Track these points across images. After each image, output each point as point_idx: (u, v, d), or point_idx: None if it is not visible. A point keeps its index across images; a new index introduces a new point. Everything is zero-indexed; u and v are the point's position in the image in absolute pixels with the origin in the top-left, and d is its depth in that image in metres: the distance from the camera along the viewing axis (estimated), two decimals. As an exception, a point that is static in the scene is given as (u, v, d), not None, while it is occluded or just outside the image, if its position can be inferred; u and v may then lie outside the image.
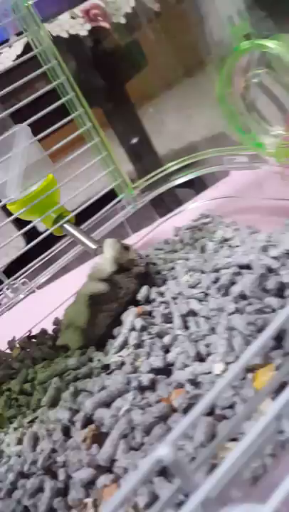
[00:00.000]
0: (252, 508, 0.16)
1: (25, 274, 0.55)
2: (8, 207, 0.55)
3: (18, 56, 0.84)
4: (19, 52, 0.86)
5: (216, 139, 0.60)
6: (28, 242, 0.65)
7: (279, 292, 0.37)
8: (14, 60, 0.87)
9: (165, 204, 0.66)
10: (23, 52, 0.80)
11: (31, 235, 0.67)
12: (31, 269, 0.55)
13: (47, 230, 0.56)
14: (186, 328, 0.41)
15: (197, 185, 0.70)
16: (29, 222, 0.57)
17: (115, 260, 0.46)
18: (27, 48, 0.72)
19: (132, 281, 0.47)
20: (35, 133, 0.54)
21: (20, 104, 0.51)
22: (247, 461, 0.19)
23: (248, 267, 0.41)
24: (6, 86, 0.52)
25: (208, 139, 0.62)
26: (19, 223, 0.75)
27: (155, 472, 0.27)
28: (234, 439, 0.27)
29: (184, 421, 0.17)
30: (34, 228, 0.61)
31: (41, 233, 0.55)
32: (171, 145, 0.71)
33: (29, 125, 0.53)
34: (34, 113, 0.53)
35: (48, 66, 0.54)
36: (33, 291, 0.58)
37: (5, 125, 0.54)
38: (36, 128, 0.55)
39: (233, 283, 0.40)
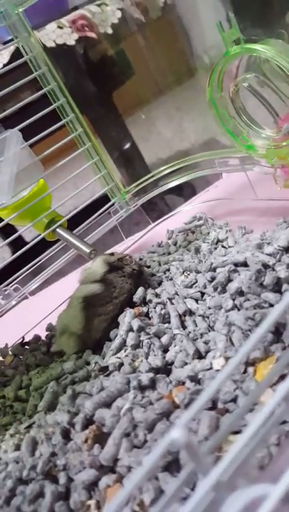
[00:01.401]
0: (263, 488, 0.16)
1: (17, 280, 0.54)
2: (-1, 212, 0.55)
3: (5, 65, 0.84)
4: (6, 61, 0.86)
5: (207, 144, 0.61)
6: (13, 252, 0.64)
7: (276, 287, 0.37)
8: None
9: (158, 208, 0.66)
10: (10, 62, 0.80)
11: (17, 244, 0.66)
12: (23, 275, 0.54)
13: (34, 239, 0.55)
14: (184, 327, 0.41)
15: (189, 190, 0.70)
16: (16, 231, 0.56)
17: (105, 261, 0.46)
18: (14, 57, 0.73)
19: (125, 280, 0.46)
20: (26, 139, 0.54)
21: (12, 109, 0.51)
22: (254, 448, 0.19)
23: (243, 264, 0.41)
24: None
25: (199, 144, 0.63)
26: (4, 233, 0.75)
27: (160, 468, 0.26)
28: (237, 432, 0.27)
29: (194, 405, 0.16)
30: (20, 237, 0.60)
31: (27, 243, 0.54)
32: (161, 152, 0.72)
33: (20, 131, 0.53)
34: (24, 120, 0.53)
35: (39, 72, 0.54)
36: (26, 298, 0.57)
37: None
38: (28, 134, 0.54)
39: (229, 280, 0.40)
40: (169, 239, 0.59)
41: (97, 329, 0.45)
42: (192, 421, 0.29)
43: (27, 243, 0.55)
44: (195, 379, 0.33)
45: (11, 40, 0.88)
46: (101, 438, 0.31)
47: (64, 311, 0.48)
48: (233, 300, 0.38)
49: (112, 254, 0.49)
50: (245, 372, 0.32)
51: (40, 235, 0.56)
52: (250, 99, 0.51)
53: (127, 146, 0.86)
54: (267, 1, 0.44)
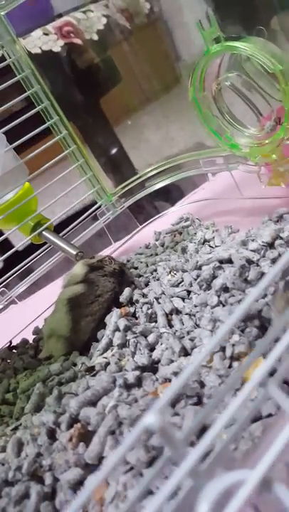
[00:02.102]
0: (240, 474, 0.16)
1: (3, 284, 0.54)
2: (-15, 216, 0.55)
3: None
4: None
5: (193, 149, 0.61)
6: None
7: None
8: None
9: (146, 211, 0.66)
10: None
11: (3, 248, 0.66)
12: (10, 279, 0.54)
13: (26, 249, 0.55)
14: (171, 326, 0.41)
15: (177, 194, 0.70)
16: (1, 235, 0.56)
17: (84, 263, 0.46)
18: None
19: (107, 279, 0.46)
20: (11, 142, 0.54)
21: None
22: (233, 436, 0.19)
23: (228, 261, 0.41)
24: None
25: (186, 149, 0.63)
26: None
27: (144, 463, 0.26)
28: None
29: (171, 388, 0.16)
30: (7, 242, 0.60)
31: (17, 252, 0.54)
32: (148, 157, 0.72)
33: (6, 137, 0.53)
34: (8, 123, 0.53)
35: (22, 75, 0.54)
36: (15, 303, 0.57)
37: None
38: (14, 140, 0.54)
39: (214, 277, 0.40)
40: (157, 240, 0.59)
41: (84, 330, 0.44)
42: (176, 416, 0.28)
43: (13, 247, 0.54)
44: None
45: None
46: (86, 437, 0.30)
47: (50, 316, 0.47)
48: (218, 296, 0.38)
49: (92, 257, 0.49)
50: (230, 367, 0.32)
51: (26, 238, 0.56)
52: (232, 98, 0.51)
53: (114, 151, 0.87)
54: None
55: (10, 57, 0.54)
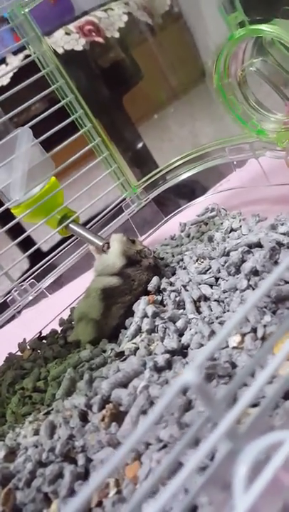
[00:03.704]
0: (279, 435, 0.16)
1: (32, 276, 0.55)
2: (13, 211, 0.55)
3: (15, 73, 0.85)
4: (15, 69, 0.87)
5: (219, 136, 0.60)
6: (30, 261, 0.64)
7: (291, 265, 0.36)
8: (12, 77, 0.89)
9: (170, 203, 0.66)
10: (20, 69, 0.81)
11: (29, 243, 0.67)
12: (38, 270, 0.55)
13: (50, 249, 0.56)
14: (199, 312, 0.41)
15: (201, 184, 0.70)
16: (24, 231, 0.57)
17: (123, 253, 0.46)
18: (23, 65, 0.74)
19: (142, 273, 0.46)
20: (37, 137, 0.55)
21: (22, 107, 0.52)
22: (270, 400, 0.19)
23: (257, 245, 0.40)
24: (6, 99, 0.52)
25: (210, 142, 0.62)
26: (14, 235, 0.75)
27: (178, 441, 0.26)
28: (256, 405, 0.26)
29: (206, 348, 0.16)
30: (35, 244, 0.60)
31: (44, 253, 0.55)
32: (172, 150, 0.72)
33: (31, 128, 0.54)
34: (37, 127, 0.54)
35: (47, 70, 0.55)
36: (46, 296, 0.58)
37: (8, 131, 0.55)
38: (38, 136, 0.55)
39: (243, 261, 0.39)
40: (182, 231, 0.59)
41: (114, 316, 0.45)
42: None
43: (43, 253, 0.55)
44: (211, 358, 0.33)
45: (20, 50, 0.90)
46: (118, 417, 0.30)
47: (82, 300, 0.48)
48: (248, 280, 0.37)
49: (133, 240, 0.49)
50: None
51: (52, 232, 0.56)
52: (258, 83, 0.51)
53: (138, 145, 0.87)
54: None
55: (35, 53, 0.54)
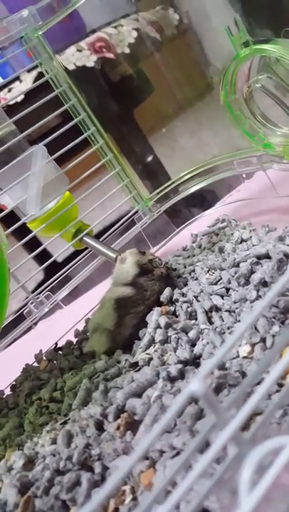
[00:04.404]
0: (282, 439, 0.17)
1: (48, 288, 0.56)
2: (29, 225, 0.57)
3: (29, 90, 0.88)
4: (29, 86, 0.90)
5: (226, 153, 0.62)
6: (45, 271, 0.66)
7: (299, 276, 0.37)
8: (25, 94, 0.92)
9: (182, 215, 0.68)
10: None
11: (45, 256, 0.68)
12: (54, 283, 0.57)
13: (65, 260, 0.58)
14: (211, 323, 0.42)
15: (211, 196, 0.71)
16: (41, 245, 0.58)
17: (136, 263, 0.48)
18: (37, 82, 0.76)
19: (155, 283, 0.48)
20: (51, 153, 0.57)
21: (37, 125, 0.54)
22: (276, 405, 0.20)
23: (266, 256, 0.41)
24: (21, 117, 0.54)
25: (220, 154, 0.64)
26: (30, 249, 0.78)
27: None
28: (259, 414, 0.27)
29: (213, 358, 0.17)
30: (50, 255, 0.62)
31: (58, 264, 0.57)
32: (182, 163, 0.73)
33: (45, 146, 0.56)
34: (51, 143, 0.56)
35: (60, 89, 0.57)
36: (61, 307, 0.59)
37: (23, 149, 0.57)
38: (52, 152, 0.57)
39: (252, 272, 0.40)
40: (194, 242, 0.60)
41: (127, 326, 0.46)
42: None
43: (58, 263, 0.57)
44: (222, 367, 0.34)
45: (33, 68, 0.93)
46: (133, 426, 0.32)
47: (97, 311, 0.49)
48: (257, 291, 0.38)
49: (143, 253, 0.50)
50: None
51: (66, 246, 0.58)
52: (263, 99, 0.52)
53: (149, 158, 0.88)
54: (272, 2, 0.46)
55: (48, 73, 0.56)
